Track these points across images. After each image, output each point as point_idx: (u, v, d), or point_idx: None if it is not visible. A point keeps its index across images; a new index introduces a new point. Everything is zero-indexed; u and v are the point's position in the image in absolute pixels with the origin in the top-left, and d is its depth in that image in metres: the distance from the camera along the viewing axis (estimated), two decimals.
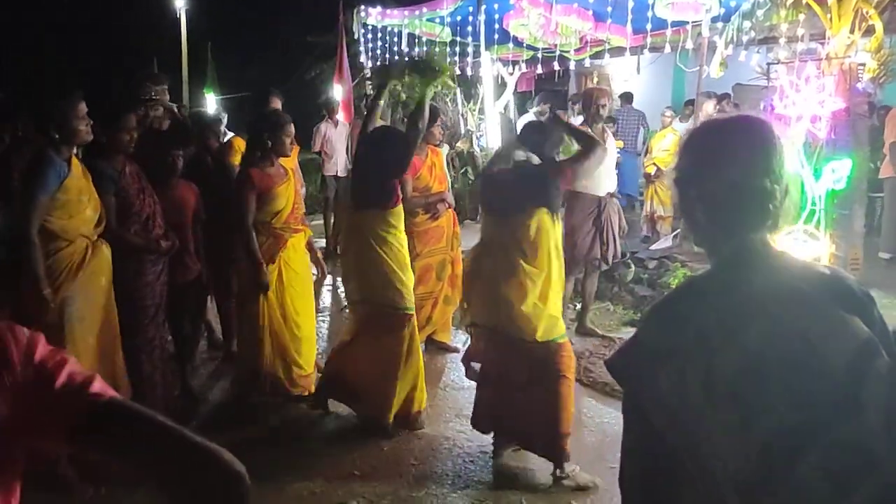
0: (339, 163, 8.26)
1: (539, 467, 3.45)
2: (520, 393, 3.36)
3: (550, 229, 3.31)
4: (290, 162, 4.45)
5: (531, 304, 3.27)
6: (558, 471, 3.32)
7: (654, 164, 8.62)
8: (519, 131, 3.81)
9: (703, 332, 1.16)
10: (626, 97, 10.39)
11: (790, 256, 1.24)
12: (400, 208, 3.89)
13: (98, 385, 0.98)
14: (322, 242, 8.06)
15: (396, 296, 3.78)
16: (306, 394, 4.14)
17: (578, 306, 5.66)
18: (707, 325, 1.17)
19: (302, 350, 4.09)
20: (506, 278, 3.29)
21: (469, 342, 3.72)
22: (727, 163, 1.22)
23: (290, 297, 4.01)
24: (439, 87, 4.35)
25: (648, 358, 1.23)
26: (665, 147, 8.59)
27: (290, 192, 3.97)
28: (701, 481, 1.16)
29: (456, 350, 5.15)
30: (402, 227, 3.90)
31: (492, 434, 3.59)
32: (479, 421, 3.60)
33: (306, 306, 4.15)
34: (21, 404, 0.93)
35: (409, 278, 3.87)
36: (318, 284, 4.36)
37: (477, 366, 3.66)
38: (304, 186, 4.73)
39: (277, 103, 4.37)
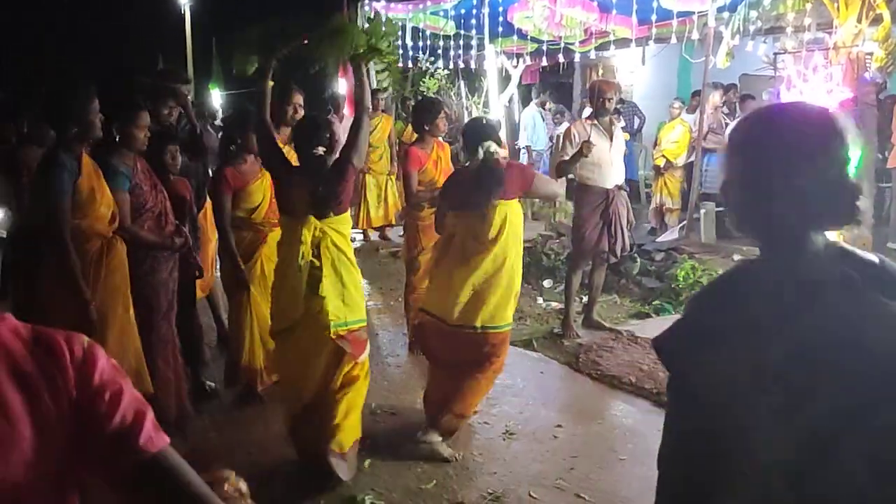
0: None
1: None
2: (453, 377, 3.59)
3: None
4: None
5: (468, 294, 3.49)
6: (420, 433, 3.57)
7: (664, 156, 8.58)
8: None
9: (756, 317, 1.18)
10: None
11: (841, 244, 1.23)
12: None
13: (147, 429, 0.96)
14: None
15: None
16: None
17: (585, 299, 5.65)
18: (760, 310, 1.18)
19: None
20: (462, 269, 3.50)
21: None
22: (819, 157, 1.19)
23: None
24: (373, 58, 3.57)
25: (700, 339, 1.24)
26: (674, 139, 8.55)
27: (265, 188, 4.00)
28: (746, 463, 1.18)
29: None
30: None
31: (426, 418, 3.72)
32: (428, 403, 3.73)
33: None
34: (70, 432, 0.91)
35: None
36: None
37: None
38: None
39: (299, 98, 4.35)
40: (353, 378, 3.27)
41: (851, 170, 1.18)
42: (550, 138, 10.33)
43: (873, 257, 1.21)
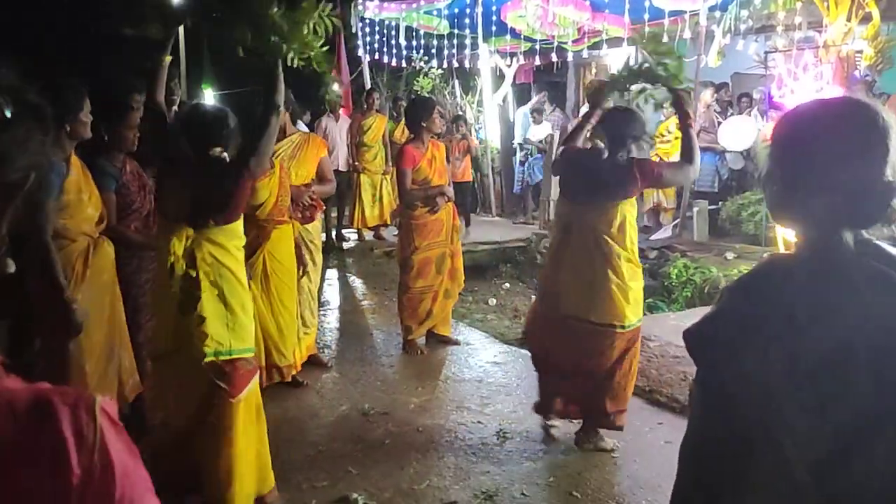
0: (339, 157, 8.27)
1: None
2: (595, 377, 3.50)
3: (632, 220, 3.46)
4: (312, 157, 4.46)
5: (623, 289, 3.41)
6: (584, 437, 3.60)
7: (658, 154, 8.60)
8: (605, 116, 3.62)
9: (791, 313, 1.18)
10: None
11: (881, 244, 1.23)
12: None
13: None
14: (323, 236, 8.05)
15: None
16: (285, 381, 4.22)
17: None
18: (795, 306, 1.18)
19: (286, 339, 4.14)
20: (598, 265, 3.39)
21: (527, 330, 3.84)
22: (860, 155, 1.19)
23: (275, 286, 4.05)
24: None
25: (735, 331, 1.24)
26: (668, 138, 8.58)
27: (273, 185, 3.99)
28: (772, 457, 1.19)
29: (456, 343, 5.17)
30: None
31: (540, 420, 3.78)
32: (544, 406, 3.70)
33: (291, 297, 4.18)
34: None
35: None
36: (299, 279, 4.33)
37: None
38: (332, 181, 4.69)
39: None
40: (230, 421, 2.67)
41: (889, 168, 1.17)
42: (527, 140, 10.28)
43: None
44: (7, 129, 0.77)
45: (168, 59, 2.98)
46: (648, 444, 3.64)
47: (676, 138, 8.45)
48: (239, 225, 2.82)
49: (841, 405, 1.12)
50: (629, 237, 3.44)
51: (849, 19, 5.05)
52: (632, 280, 3.45)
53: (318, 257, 4.68)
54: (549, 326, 3.56)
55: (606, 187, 3.39)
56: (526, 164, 10.15)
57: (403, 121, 8.10)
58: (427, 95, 9.75)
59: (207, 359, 2.64)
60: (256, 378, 2.84)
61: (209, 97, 15.59)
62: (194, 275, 2.67)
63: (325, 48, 2.84)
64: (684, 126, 3.52)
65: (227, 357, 2.69)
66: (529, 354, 3.88)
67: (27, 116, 0.81)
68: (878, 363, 1.10)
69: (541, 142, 9.74)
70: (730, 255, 6.72)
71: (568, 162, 3.61)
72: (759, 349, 1.19)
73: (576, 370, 3.51)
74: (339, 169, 8.24)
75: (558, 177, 3.82)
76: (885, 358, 1.10)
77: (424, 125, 4.82)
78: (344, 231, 8.69)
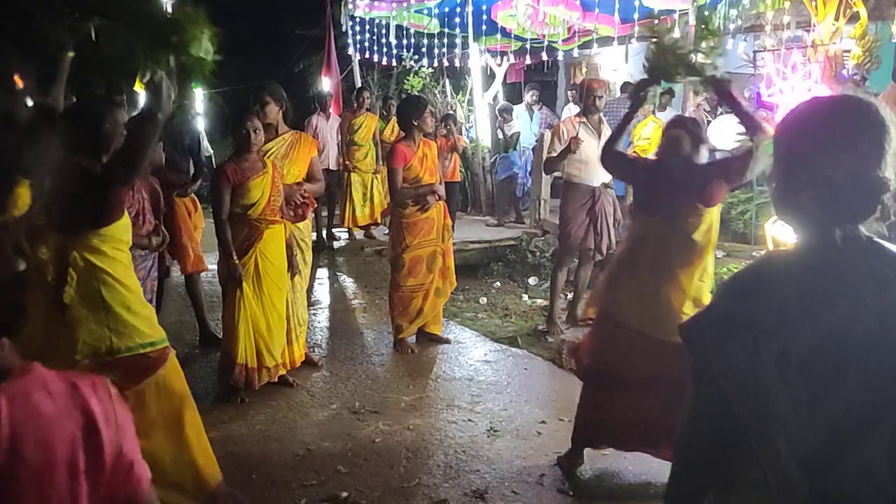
0: (330, 156, 8.24)
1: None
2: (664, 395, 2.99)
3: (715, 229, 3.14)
4: (304, 156, 4.46)
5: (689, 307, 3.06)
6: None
7: (636, 152, 8.63)
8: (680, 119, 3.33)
9: (784, 309, 1.18)
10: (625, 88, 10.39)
11: (877, 241, 1.24)
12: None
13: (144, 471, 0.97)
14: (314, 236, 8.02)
15: None
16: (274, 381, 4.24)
17: (570, 296, 5.68)
18: (788, 301, 1.19)
19: (274, 340, 4.16)
20: (667, 281, 3.10)
21: (583, 340, 3.47)
22: (847, 150, 1.20)
23: (266, 286, 4.08)
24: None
25: (725, 326, 1.25)
26: (646, 136, 8.61)
27: (265, 185, 4.00)
28: (763, 452, 1.19)
29: (447, 341, 5.17)
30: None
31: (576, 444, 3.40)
32: (592, 432, 3.33)
33: (281, 297, 4.20)
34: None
35: None
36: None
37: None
38: (321, 180, 4.69)
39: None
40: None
41: (883, 164, 1.18)
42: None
43: None
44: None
45: (70, 55, 2.80)
46: None
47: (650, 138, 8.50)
48: (119, 228, 2.70)
49: (833, 400, 1.12)
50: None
51: (837, 19, 5.07)
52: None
53: (309, 255, 4.67)
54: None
55: (697, 193, 3.08)
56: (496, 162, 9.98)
57: (393, 120, 8.12)
58: (418, 94, 9.74)
59: (82, 360, 2.58)
60: (163, 369, 2.74)
61: (199, 96, 15.51)
62: (62, 280, 2.58)
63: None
64: (738, 109, 3.02)
65: (113, 356, 2.62)
66: (522, 353, 3.83)
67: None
68: (869, 358, 1.10)
69: (511, 137, 9.53)
70: (719, 254, 6.73)
71: (644, 171, 3.35)
72: (751, 344, 1.20)
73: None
74: (330, 168, 8.22)
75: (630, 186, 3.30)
76: (876, 353, 1.10)
77: (416, 124, 4.82)
78: (334, 230, 8.66)
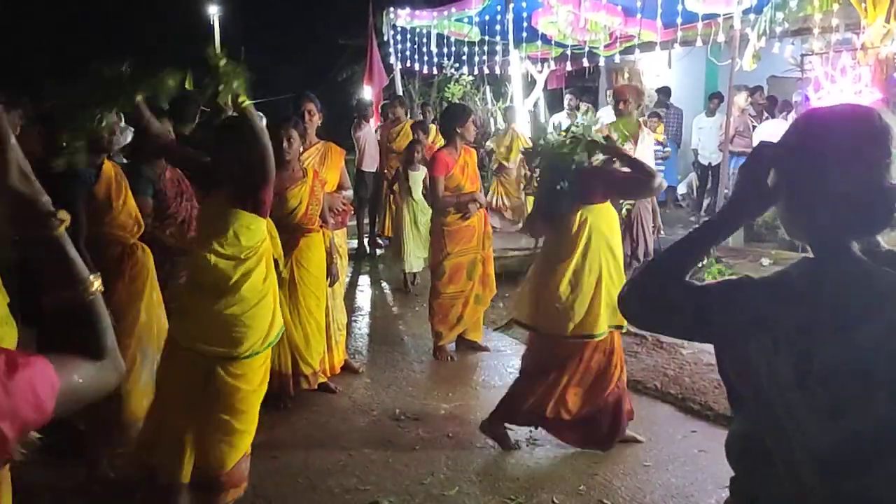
0: (373, 162, 8.34)
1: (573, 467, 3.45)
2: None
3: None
4: (337, 164, 4.52)
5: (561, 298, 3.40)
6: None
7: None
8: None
9: (812, 318, 1.17)
10: (665, 92, 10.27)
11: (895, 250, 1.23)
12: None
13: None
14: (353, 243, 8.11)
15: None
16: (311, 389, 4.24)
17: None
18: (818, 312, 1.17)
19: (311, 348, 4.16)
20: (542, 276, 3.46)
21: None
22: (857, 160, 1.18)
23: (302, 294, 4.08)
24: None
25: (744, 321, 1.23)
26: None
27: (303, 194, 4.03)
28: (778, 454, 1.19)
29: (486, 349, 5.17)
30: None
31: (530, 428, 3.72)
32: (518, 416, 3.65)
33: (319, 306, 4.21)
34: None
35: None
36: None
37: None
38: (349, 188, 4.78)
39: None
40: None
41: (893, 170, 1.16)
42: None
43: None
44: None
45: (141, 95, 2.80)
46: (681, 453, 3.60)
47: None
48: None
49: (859, 414, 1.11)
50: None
51: (887, 21, 4.95)
52: None
53: (345, 262, 4.72)
54: None
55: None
56: None
57: (433, 127, 8.17)
58: (460, 102, 9.77)
59: None
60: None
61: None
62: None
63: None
64: (627, 159, 3.55)
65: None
66: None
67: None
68: (895, 375, 1.10)
69: None
70: (765, 261, 6.61)
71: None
72: (767, 343, 1.18)
73: None
74: (372, 172, 8.31)
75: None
76: None
77: (459, 132, 4.84)
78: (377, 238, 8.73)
